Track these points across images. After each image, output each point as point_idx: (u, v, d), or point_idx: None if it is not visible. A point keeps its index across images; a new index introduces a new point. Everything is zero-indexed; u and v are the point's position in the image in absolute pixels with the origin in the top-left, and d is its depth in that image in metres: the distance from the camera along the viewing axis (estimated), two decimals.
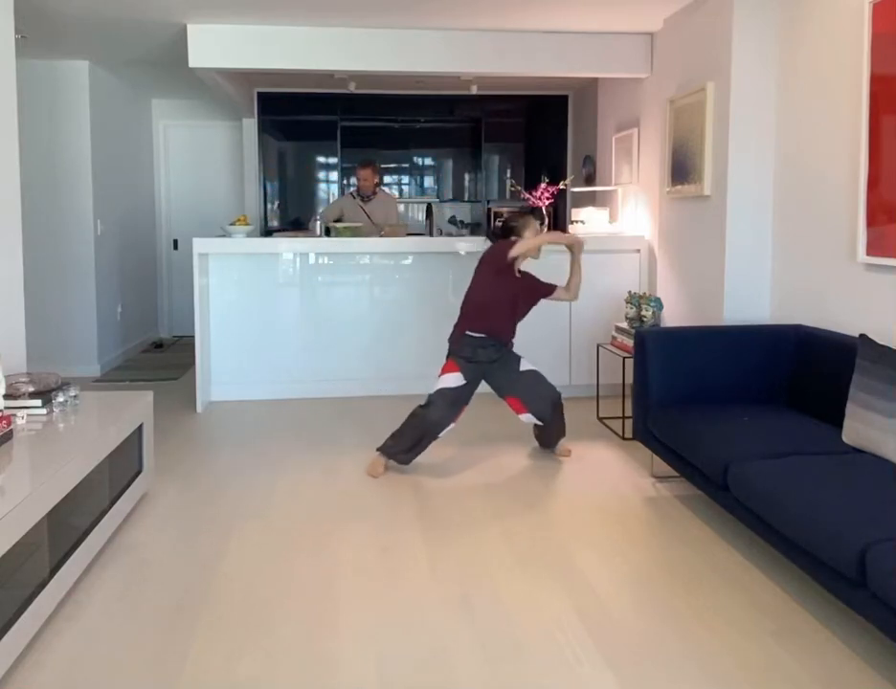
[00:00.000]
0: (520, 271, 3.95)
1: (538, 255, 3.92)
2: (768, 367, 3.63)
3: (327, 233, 5.66)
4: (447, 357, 3.93)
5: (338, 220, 5.84)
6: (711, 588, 2.66)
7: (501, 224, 4.09)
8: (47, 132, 6.09)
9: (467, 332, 3.89)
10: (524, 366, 3.98)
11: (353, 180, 7.75)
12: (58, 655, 2.27)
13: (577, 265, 4.03)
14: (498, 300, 3.87)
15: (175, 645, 2.32)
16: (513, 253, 3.74)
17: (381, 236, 5.69)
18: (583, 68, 5.38)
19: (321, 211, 6.50)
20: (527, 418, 3.98)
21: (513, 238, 3.85)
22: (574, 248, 4.03)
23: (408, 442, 3.80)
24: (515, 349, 4.04)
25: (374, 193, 6.03)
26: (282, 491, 3.63)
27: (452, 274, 5.56)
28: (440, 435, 3.83)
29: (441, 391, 3.81)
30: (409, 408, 3.93)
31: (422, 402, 3.85)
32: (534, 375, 3.97)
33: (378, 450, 3.86)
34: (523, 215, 4.05)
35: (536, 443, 4.26)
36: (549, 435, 4.10)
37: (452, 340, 3.95)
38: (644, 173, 5.42)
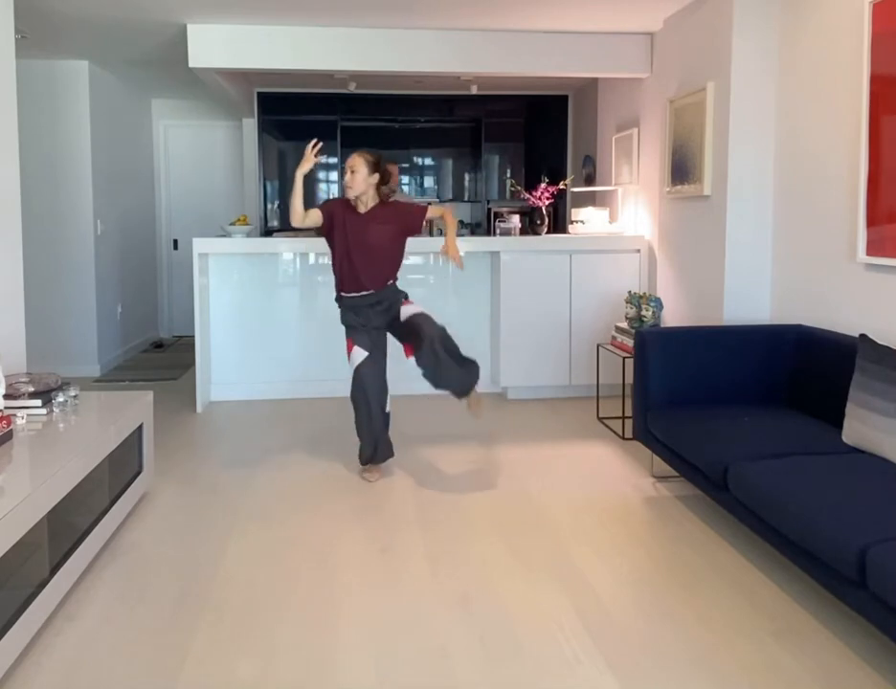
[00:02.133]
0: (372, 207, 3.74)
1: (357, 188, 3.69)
2: (768, 367, 3.63)
3: None
4: (346, 332, 3.81)
5: None
6: (711, 589, 2.66)
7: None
8: (47, 132, 6.09)
9: (342, 293, 3.77)
10: (404, 313, 3.76)
11: None
12: (58, 655, 2.27)
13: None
14: (346, 252, 3.69)
15: (175, 645, 2.32)
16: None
17: None
18: (583, 68, 5.38)
19: None
20: (415, 362, 3.75)
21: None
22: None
23: (363, 436, 3.76)
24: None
25: (392, 193, 6.01)
26: (282, 491, 3.63)
27: (451, 273, 5.56)
28: (387, 407, 3.83)
29: (356, 370, 3.75)
30: (407, 407, 3.94)
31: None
32: (416, 318, 3.72)
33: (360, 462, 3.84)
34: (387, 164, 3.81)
35: (535, 443, 4.25)
36: (442, 381, 3.73)
37: (340, 307, 3.82)
38: (644, 173, 5.42)
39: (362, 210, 3.73)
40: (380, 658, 2.25)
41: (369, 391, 3.70)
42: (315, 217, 3.70)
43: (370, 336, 3.76)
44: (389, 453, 3.82)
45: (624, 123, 5.87)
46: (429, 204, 3.87)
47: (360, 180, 3.67)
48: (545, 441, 4.38)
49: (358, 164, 3.68)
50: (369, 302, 3.73)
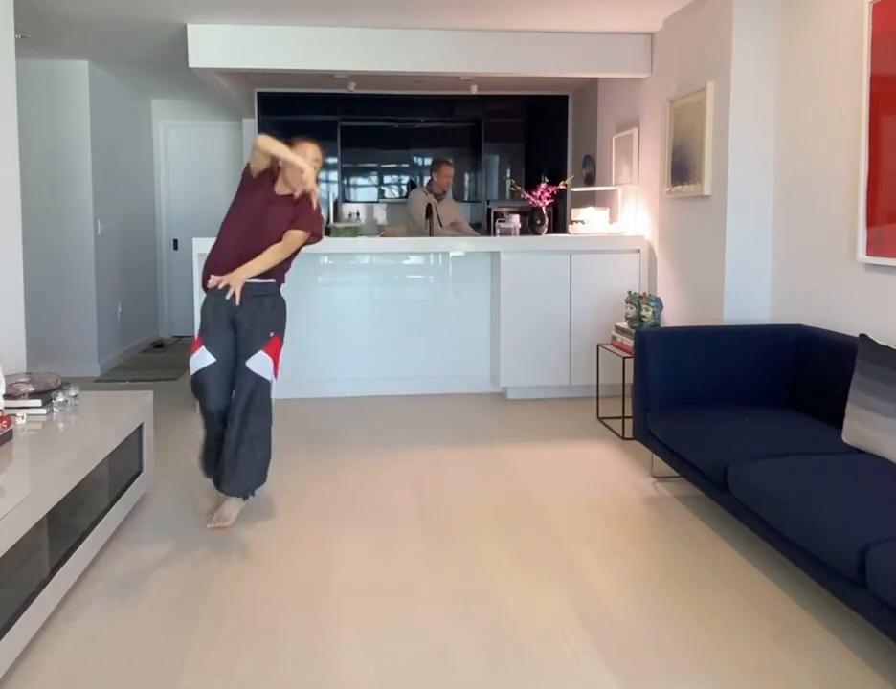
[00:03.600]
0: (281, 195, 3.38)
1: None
2: (768, 367, 3.63)
3: (327, 233, 5.65)
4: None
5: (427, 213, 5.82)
6: (711, 589, 2.66)
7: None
8: (47, 132, 6.09)
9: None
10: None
11: (354, 180, 7.77)
12: (58, 655, 2.27)
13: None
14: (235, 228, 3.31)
15: (175, 645, 2.32)
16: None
17: (382, 236, 5.70)
18: (583, 68, 5.38)
19: (412, 212, 6.13)
20: None
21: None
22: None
23: (201, 451, 3.36)
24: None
25: (444, 194, 6.06)
26: (282, 491, 3.63)
27: (452, 273, 5.57)
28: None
29: (194, 378, 3.21)
30: (408, 407, 3.93)
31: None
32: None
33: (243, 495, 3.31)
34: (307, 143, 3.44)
35: (535, 443, 4.26)
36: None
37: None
38: (644, 173, 5.42)
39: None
40: (380, 658, 2.25)
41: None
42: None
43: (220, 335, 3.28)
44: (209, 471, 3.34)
45: (624, 123, 5.87)
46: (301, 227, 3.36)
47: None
48: (545, 441, 4.38)
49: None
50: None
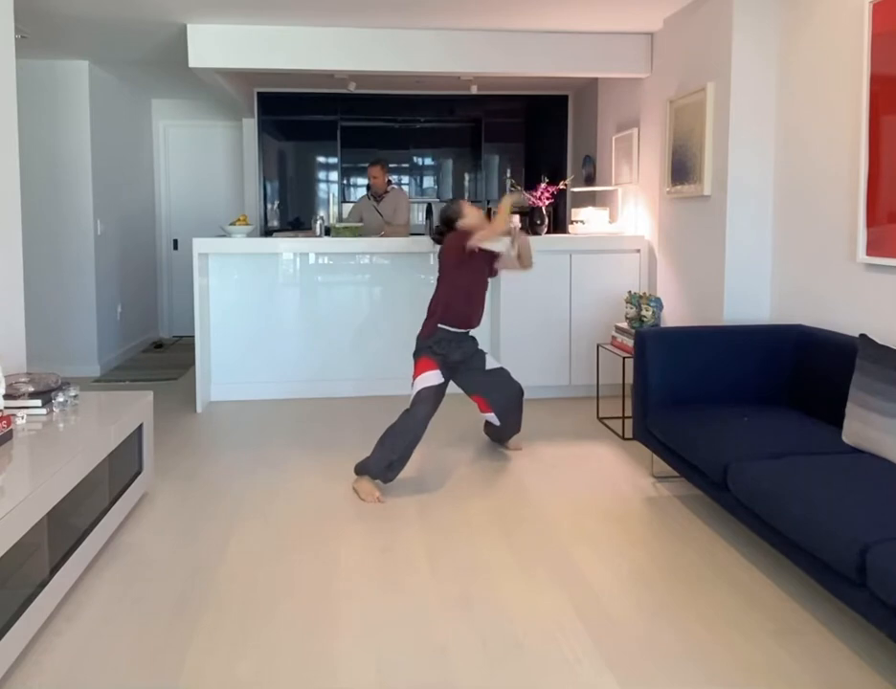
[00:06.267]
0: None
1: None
2: (768, 367, 3.63)
3: (327, 232, 5.66)
4: (418, 355, 3.78)
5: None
6: (711, 588, 2.66)
7: (439, 222, 3.95)
8: (47, 132, 6.09)
9: (441, 326, 3.78)
10: (489, 364, 3.96)
11: (353, 180, 7.78)
12: (58, 656, 2.27)
13: (518, 243, 3.91)
14: (464, 290, 3.81)
15: (175, 645, 2.32)
16: (473, 243, 3.65)
17: (381, 236, 5.70)
18: (583, 68, 5.38)
19: (344, 219, 6.53)
20: (492, 418, 3.96)
21: (462, 225, 3.82)
22: (513, 234, 3.92)
23: (398, 452, 3.53)
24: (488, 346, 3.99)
25: (386, 191, 6.09)
26: (282, 491, 3.63)
27: None
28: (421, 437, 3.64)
29: (427, 389, 3.65)
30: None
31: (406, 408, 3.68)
32: (499, 373, 3.97)
33: (362, 473, 3.57)
34: (453, 202, 3.96)
35: (535, 443, 4.25)
36: (503, 434, 4.15)
37: (423, 336, 3.81)
38: (644, 173, 5.42)
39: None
40: (380, 658, 2.25)
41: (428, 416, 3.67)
42: None
43: (446, 369, 3.77)
44: (395, 474, 3.63)
45: (624, 123, 5.87)
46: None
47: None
48: (545, 441, 4.38)
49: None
50: (460, 338, 3.84)
